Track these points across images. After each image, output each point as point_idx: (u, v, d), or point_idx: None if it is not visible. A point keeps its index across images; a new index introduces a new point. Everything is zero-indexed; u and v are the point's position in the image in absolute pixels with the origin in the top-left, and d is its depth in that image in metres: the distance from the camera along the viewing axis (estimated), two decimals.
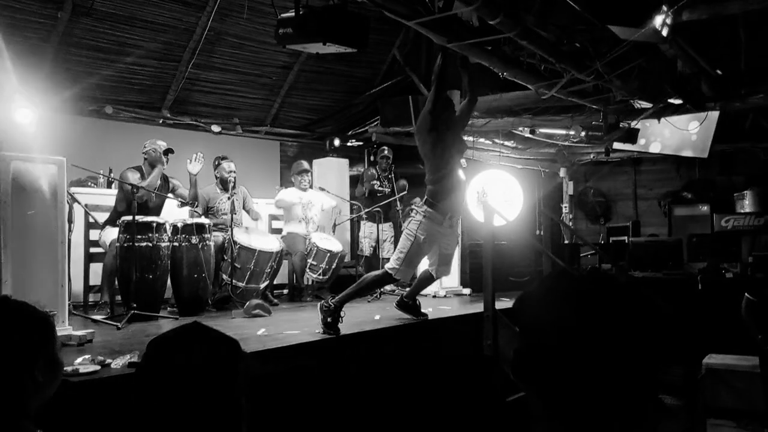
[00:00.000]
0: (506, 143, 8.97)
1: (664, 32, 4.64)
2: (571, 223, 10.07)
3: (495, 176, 9.27)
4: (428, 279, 4.74)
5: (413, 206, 4.46)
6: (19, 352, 1.34)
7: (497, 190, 8.93)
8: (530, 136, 8.43)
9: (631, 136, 6.67)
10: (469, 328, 4.77)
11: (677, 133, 7.72)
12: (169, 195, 5.34)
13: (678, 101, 6.59)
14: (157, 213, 5.14)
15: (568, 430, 0.91)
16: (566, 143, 8.86)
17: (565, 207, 10.32)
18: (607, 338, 0.89)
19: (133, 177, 5.00)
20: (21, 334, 1.35)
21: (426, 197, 4.20)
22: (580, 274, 1.01)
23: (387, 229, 7.15)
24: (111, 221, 5.05)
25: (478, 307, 4.97)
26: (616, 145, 7.20)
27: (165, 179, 5.36)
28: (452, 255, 4.56)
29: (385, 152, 7.29)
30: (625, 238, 8.99)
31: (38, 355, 1.37)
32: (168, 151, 5.21)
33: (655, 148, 8.46)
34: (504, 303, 5.22)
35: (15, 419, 1.32)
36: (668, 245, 7.70)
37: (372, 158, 8.25)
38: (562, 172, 10.34)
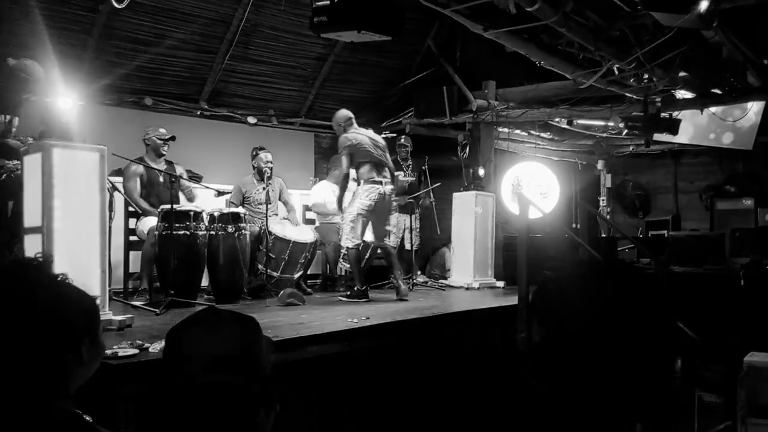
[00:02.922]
0: (542, 135, 8.83)
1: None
2: (608, 217, 9.87)
3: (530, 168, 9.16)
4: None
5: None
6: (69, 329, 1.37)
7: (533, 183, 8.82)
8: (567, 127, 8.29)
9: (673, 127, 6.48)
10: (502, 321, 4.72)
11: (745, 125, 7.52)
12: (209, 186, 5.40)
13: (722, 91, 6.39)
14: (176, 200, 5.16)
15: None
16: (604, 134, 8.68)
17: (603, 200, 10.12)
18: (627, 325, 0.88)
19: (136, 169, 5.12)
20: (73, 312, 1.38)
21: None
22: (597, 261, 1.00)
23: (412, 221, 7.11)
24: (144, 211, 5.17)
25: (512, 300, 4.92)
26: (657, 137, 7.01)
27: (171, 165, 5.41)
28: None
29: (402, 140, 7.27)
30: (665, 232, 8.76)
31: (85, 335, 1.40)
32: (171, 139, 5.29)
33: (727, 140, 8.24)
34: None
35: (57, 399, 1.34)
36: (710, 240, 7.49)
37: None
38: (600, 165, 10.14)
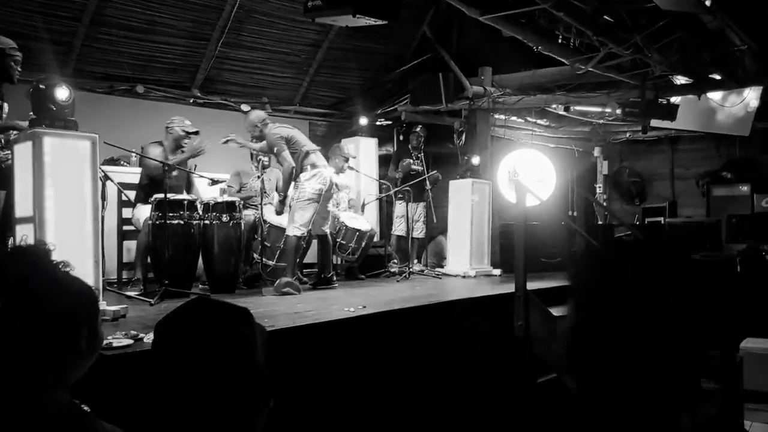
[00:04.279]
0: (539, 121, 8.80)
1: (708, 2, 4.44)
2: (605, 204, 9.86)
3: (527, 155, 9.13)
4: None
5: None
6: (68, 318, 1.36)
7: (529, 170, 8.80)
8: (564, 113, 8.24)
9: (671, 112, 6.45)
10: (499, 308, 4.71)
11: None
12: (202, 175, 5.34)
13: (719, 76, 6.35)
14: (179, 190, 5.13)
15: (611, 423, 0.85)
16: (601, 121, 8.65)
17: (599, 187, 10.11)
18: (663, 307, 0.83)
19: (155, 152, 5.00)
20: (74, 302, 1.37)
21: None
22: (631, 240, 0.95)
23: (420, 209, 7.11)
24: (140, 199, 5.07)
25: (508, 288, 4.90)
26: (654, 123, 6.97)
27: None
28: None
29: (418, 130, 7.25)
30: (661, 219, 8.80)
31: (84, 324, 1.38)
32: (194, 133, 5.21)
33: (724, 125, 8.20)
34: (535, 284, 5.14)
35: (54, 388, 1.32)
36: (706, 226, 7.51)
37: (401, 137, 8.17)
38: (597, 151, 10.12)
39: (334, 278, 5.41)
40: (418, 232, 7.06)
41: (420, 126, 7.36)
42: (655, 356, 0.83)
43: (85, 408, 1.33)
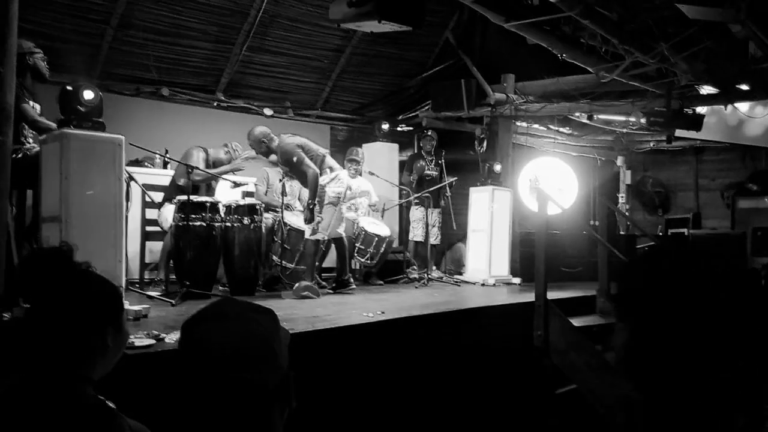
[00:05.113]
0: (561, 129, 8.72)
1: (736, 11, 4.37)
2: (627, 214, 9.74)
3: (548, 164, 9.06)
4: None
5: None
6: (94, 315, 1.39)
7: (551, 178, 8.73)
8: (587, 122, 8.17)
9: (696, 122, 6.35)
10: (518, 317, 4.67)
11: None
12: (224, 177, 5.40)
13: (747, 87, 6.25)
14: (208, 191, 5.22)
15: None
16: (625, 130, 8.55)
17: (622, 197, 9.99)
18: (729, 317, 0.83)
19: (198, 155, 5.11)
20: (99, 300, 1.41)
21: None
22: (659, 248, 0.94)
23: (435, 215, 7.08)
24: (169, 198, 5.14)
25: (528, 297, 4.86)
26: (679, 133, 6.88)
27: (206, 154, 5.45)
28: None
29: (429, 134, 7.26)
30: (685, 230, 8.66)
31: (109, 323, 1.41)
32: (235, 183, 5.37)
33: (750, 136, 8.07)
34: (555, 293, 5.09)
35: (80, 384, 1.34)
36: (731, 239, 7.38)
37: (420, 143, 8.17)
38: (620, 161, 10.01)
39: (351, 280, 5.40)
40: (434, 238, 7.03)
41: (431, 130, 7.37)
42: (718, 362, 0.83)
43: (111, 404, 1.35)
